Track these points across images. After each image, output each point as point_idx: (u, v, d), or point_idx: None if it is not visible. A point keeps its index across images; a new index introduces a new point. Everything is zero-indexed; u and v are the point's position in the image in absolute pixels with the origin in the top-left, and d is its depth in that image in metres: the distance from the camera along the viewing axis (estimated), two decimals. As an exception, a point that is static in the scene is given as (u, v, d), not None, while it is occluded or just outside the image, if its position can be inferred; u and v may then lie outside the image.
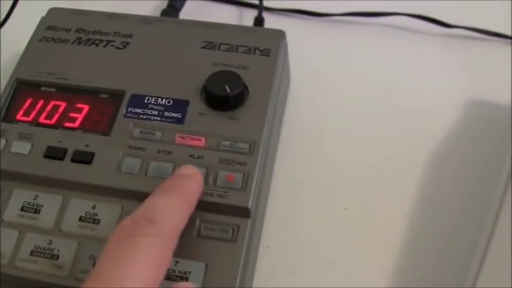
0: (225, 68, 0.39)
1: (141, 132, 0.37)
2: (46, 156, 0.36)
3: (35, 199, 0.35)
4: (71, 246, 0.34)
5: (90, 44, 0.41)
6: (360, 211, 0.40)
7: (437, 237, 0.39)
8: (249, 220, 0.34)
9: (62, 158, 0.36)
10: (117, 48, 0.41)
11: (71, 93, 0.39)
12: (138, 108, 0.38)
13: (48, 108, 0.39)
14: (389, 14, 0.50)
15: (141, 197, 0.32)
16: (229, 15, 0.52)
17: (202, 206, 0.33)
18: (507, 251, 0.33)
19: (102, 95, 0.39)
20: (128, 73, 0.40)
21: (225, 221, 0.34)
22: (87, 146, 0.37)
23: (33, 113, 0.38)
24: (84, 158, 0.36)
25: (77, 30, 0.42)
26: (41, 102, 0.39)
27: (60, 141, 0.37)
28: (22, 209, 0.35)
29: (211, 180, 0.35)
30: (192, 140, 0.36)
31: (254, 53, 0.40)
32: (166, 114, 0.37)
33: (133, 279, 0.26)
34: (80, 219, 0.35)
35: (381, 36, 0.50)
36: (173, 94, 0.38)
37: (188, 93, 0.38)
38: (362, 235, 0.39)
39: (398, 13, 0.50)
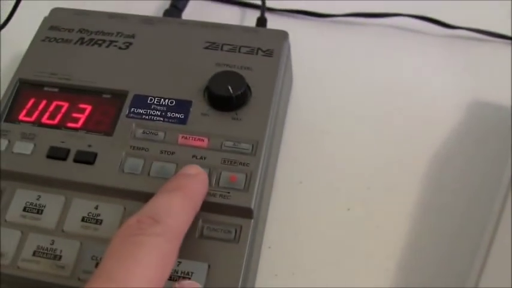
0: (228, 69, 0.39)
1: (143, 132, 0.37)
2: (49, 156, 0.36)
3: (37, 199, 0.35)
4: (74, 247, 0.34)
5: (92, 44, 0.41)
6: (362, 212, 0.40)
7: (439, 238, 0.39)
8: (252, 220, 0.34)
9: (64, 158, 0.36)
10: (120, 48, 0.41)
11: (74, 93, 0.39)
12: (141, 109, 0.38)
13: (51, 108, 0.39)
14: (391, 14, 0.50)
15: (143, 197, 0.32)
16: (232, 15, 0.52)
17: (205, 206, 0.33)
18: (509, 252, 0.33)
19: (104, 95, 0.39)
20: (130, 73, 0.40)
21: (227, 222, 0.34)
22: (89, 146, 0.37)
23: (36, 113, 0.38)
24: (86, 158, 0.36)
25: (80, 31, 0.42)
26: (44, 102, 0.39)
27: (62, 142, 0.37)
28: (25, 209, 0.35)
29: (213, 181, 0.35)
30: (194, 140, 0.36)
31: (257, 53, 0.40)
32: (169, 114, 0.37)
33: (137, 279, 0.26)
34: (83, 219, 0.35)
35: (382, 37, 0.50)
36: (176, 94, 0.38)
37: (191, 93, 0.38)
38: (364, 236, 0.39)
39: (400, 14, 0.50)
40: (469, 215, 0.40)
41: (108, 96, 0.39)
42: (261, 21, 0.47)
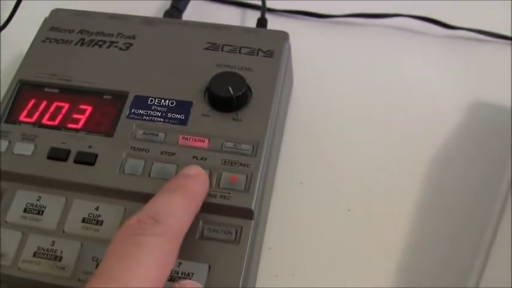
0: (228, 69, 0.39)
1: (144, 133, 0.37)
2: (49, 157, 0.36)
3: (38, 200, 0.35)
4: (74, 248, 0.34)
5: (93, 45, 0.41)
6: (363, 213, 0.40)
7: (440, 239, 0.39)
8: (252, 221, 0.34)
9: (65, 159, 0.36)
10: (120, 49, 0.41)
11: (74, 94, 0.39)
12: (141, 110, 0.38)
13: (52, 109, 0.39)
14: (391, 15, 0.50)
15: (144, 198, 0.32)
16: (232, 16, 0.52)
17: (206, 207, 0.33)
18: (509, 252, 0.33)
19: (105, 96, 0.39)
20: (131, 74, 0.40)
21: (228, 223, 0.34)
22: (90, 147, 0.37)
23: (36, 114, 0.39)
24: (87, 159, 0.36)
25: (80, 31, 0.42)
26: (44, 103, 0.39)
27: (63, 143, 0.37)
28: (25, 210, 0.35)
29: (214, 182, 0.35)
30: (195, 141, 0.36)
31: (257, 54, 0.40)
32: (169, 115, 0.37)
33: (138, 279, 0.26)
34: (83, 220, 0.35)
35: (383, 38, 0.50)
36: (176, 95, 0.38)
37: (191, 94, 0.38)
38: (364, 237, 0.39)
39: (401, 14, 0.50)
40: (469, 215, 0.40)
41: (109, 97, 0.39)
42: (262, 22, 0.47)
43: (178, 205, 0.30)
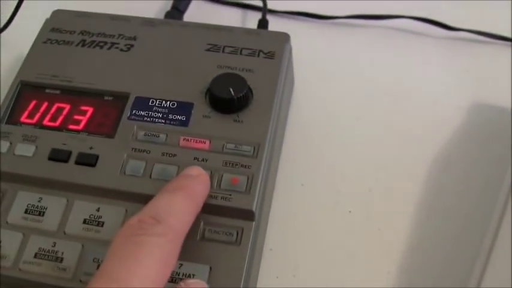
0: (230, 71, 0.39)
1: (145, 134, 0.37)
2: (50, 158, 0.36)
3: (39, 201, 0.35)
4: (75, 249, 0.34)
5: (94, 46, 0.41)
6: (364, 214, 0.40)
7: (440, 241, 0.39)
8: (253, 223, 0.34)
9: (66, 161, 0.36)
10: (122, 50, 0.41)
11: (75, 95, 0.39)
12: (142, 111, 0.38)
13: (53, 110, 0.39)
14: (392, 16, 0.50)
15: (145, 199, 0.32)
16: (233, 17, 0.52)
17: (207, 208, 0.33)
18: (510, 253, 0.33)
19: (106, 98, 0.39)
20: (132, 75, 0.40)
21: (229, 224, 0.34)
22: (91, 148, 0.37)
23: (38, 115, 0.39)
24: (88, 160, 0.36)
25: (81, 33, 0.42)
26: (45, 104, 0.39)
27: (64, 144, 0.37)
28: (26, 211, 0.35)
29: (215, 183, 0.35)
30: (196, 142, 0.36)
31: (258, 55, 0.40)
32: (170, 116, 0.38)
33: (139, 279, 0.26)
34: (84, 221, 0.35)
35: (384, 39, 0.50)
36: (177, 96, 0.38)
37: (192, 95, 0.38)
38: (365, 238, 0.39)
39: (402, 16, 0.50)
40: (469, 216, 0.40)
41: (110, 98, 0.39)
42: (263, 23, 0.47)
43: (179, 205, 0.30)
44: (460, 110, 0.45)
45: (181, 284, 0.30)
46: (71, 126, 0.38)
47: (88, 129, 0.38)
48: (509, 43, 0.49)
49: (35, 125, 0.38)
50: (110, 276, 0.26)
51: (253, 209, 0.34)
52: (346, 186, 0.41)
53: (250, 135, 0.36)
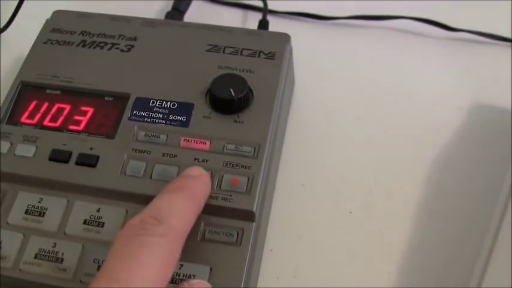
0: (230, 71, 0.39)
1: (145, 135, 0.37)
2: (51, 159, 0.36)
3: (39, 202, 0.35)
4: (76, 249, 0.34)
5: (95, 47, 0.41)
6: (364, 215, 0.40)
7: (441, 241, 0.39)
8: (254, 223, 0.34)
9: (66, 161, 0.36)
10: (122, 51, 0.41)
11: (76, 96, 0.39)
12: (143, 111, 0.38)
13: (53, 111, 0.39)
14: (393, 17, 0.50)
15: (145, 200, 0.32)
16: (233, 18, 0.52)
17: (207, 209, 0.33)
18: (510, 254, 0.33)
19: (106, 98, 0.39)
20: (132, 76, 0.40)
21: (229, 225, 0.34)
22: (91, 149, 0.37)
23: (38, 116, 0.39)
24: (88, 161, 0.36)
25: (82, 33, 0.42)
26: (46, 104, 0.39)
27: (64, 144, 0.37)
28: (27, 212, 0.35)
29: (215, 184, 0.35)
30: (196, 143, 0.36)
31: (259, 56, 0.40)
32: (171, 117, 0.38)
33: (140, 279, 0.26)
34: (85, 222, 0.35)
35: (384, 40, 0.50)
36: (178, 97, 0.38)
37: (193, 96, 0.38)
38: (366, 239, 0.39)
39: (403, 16, 0.50)
40: (470, 217, 0.40)
41: (110, 98, 0.39)
42: (263, 24, 0.47)
43: (180, 205, 0.31)
44: (461, 111, 0.45)
45: (185, 284, 0.30)
46: (72, 127, 0.38)
47: (88, 130, 0.38)
48: (509, 44, 0.49)
49: (35, 125, 0.38)
50: (111, 276, 0.26)
51: (254, 210, 0.34)
52: (346, 186, 0.41)
53: (251, 135, 0.36)
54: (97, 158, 0.36)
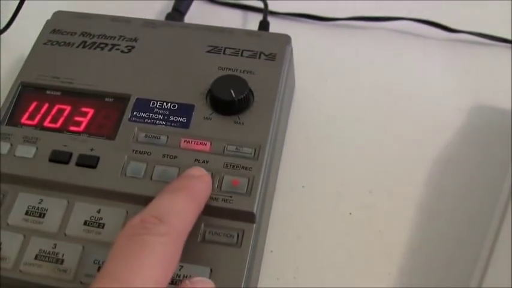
0: (230, 73, 0.39)
1: (146, 136, 0.37)
2: (51, 160, 0.36)
3: (39, 203, 0.35)
4: (76, 250, 0.34)
5: (95, 48, 0.41)
6: (364, 216, 0.40)
7: (441, 242, 0.39)
8: (254, 225, 0.34)
9: (67, 162, 0.36)
10: (122, 52, 0.41)
11: (76, 96, 0.39)
12: (143, 112, 0.38)
13: (53, 112, 0.39)
14: (393, 18, 0.50)
15: (146, 201, 0.31)
16: (234, 19, 0.52)
17: (207, 210, 0.33)
18: (510, 254, 0.33)
19: (107, 99, 0.39)
20: (133, 77, 0.40)
21: (229, 226, 0.34)
22: (92, 150, 0.37)
23: (38, 117, 0.39)
24: (89, 162, 0.36)
25: (82, 34, 0.42)
26: (46, 105, 0.39)
27: (65, 145, 0.37)
28: (27, 212, 0.35)
29: (216, 185, 0.35)
30: (197, 144, 0.36)
31: (259, 57, 0.40)
32: (171, 118, 0.38)
33: (141, 279, 0.26)
34: (85, 223, 0.35)
35: (385, 41, 0.50)
36: (178, 98, 0.38)
37: (193, 97, 0.38)
38: (366, 240, 0.39)
39: (402, 18, 0.50)
40: (470, 218, 0.40)
41: (111, 99, 0.39)
42: (264, 25, 0.48)
43: (181, 205, 0.30)
44: (461, 112, 0.45)
45: (187, 282, 0.30)
46: (72, 128, 0.38)
47: (89, 131, 0.38)
48: (509, 45, 0.49)
49: (35, 126, 0.38)
50: (112, 276, 0.26)
51: (254, 211, 0.34)
52: (346, 187, 0.41)
53: (251, 137, 0.36)
54: (97, 159, 0.36)
